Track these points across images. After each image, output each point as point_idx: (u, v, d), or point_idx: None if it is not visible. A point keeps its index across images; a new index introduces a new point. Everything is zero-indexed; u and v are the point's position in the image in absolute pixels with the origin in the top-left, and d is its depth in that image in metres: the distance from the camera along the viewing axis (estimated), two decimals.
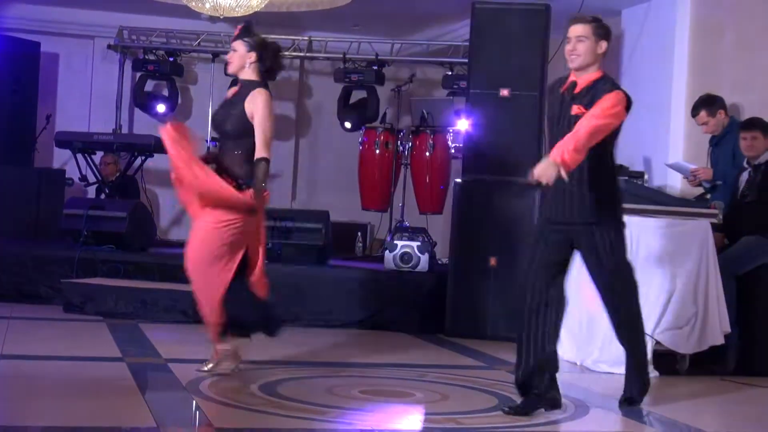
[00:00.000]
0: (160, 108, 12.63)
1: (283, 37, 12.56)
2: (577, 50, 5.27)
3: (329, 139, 13.20)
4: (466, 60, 9.78)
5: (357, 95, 12.38)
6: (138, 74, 12.82)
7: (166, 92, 12.78)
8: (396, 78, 12.60)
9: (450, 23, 12.09)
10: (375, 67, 12.11)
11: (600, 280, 5.44)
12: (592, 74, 5.31)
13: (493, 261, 8.23)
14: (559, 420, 5.15)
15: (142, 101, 12.70)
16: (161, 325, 7.99)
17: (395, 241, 8.84)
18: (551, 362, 5.23)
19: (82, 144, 10.84)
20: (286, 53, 12.69)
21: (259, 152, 5.76)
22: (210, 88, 12.43)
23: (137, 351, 6.73)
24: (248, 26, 6.14)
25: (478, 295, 8.25)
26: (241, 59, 5.98)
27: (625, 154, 9.48)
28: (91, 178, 11.07)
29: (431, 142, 10.49)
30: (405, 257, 8.74)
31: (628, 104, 5.24)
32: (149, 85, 12.84)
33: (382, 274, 8.76)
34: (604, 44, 5.31)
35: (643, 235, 6.71)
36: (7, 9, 12.45)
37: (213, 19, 11.96)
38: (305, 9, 11.93)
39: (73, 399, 5.16)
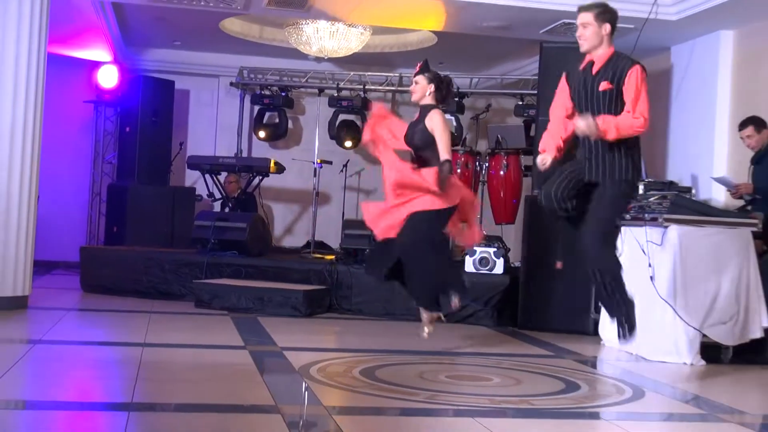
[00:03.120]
0: (261, 134, 12.84)
1: (377, 74, 12.69)
2: (584, 35, 5.32)
3: None
4: (535, 91, 9.74)
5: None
6: (256, 107, 13.03)
7: (277, 121, 12.95)
8: (474, 107, 12.61)
9: (520, 60, 12.07)
10: (456, 99, 12.12)
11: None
12: (605, 52, 5.34)
13: (559, 264, 8.17)
14: (619, 402, 5.10)
15: (260, 130, 12.93)
16: (276, 318, 8.09)
17: (475, 247, 8.84)
18: None
19: (209, 166, 11.04)
20: (380, 87, 12.80)
21: (443, 155, 6.19)
22: (316, 118, 12.57)
23: (257, 340, 6.82)
24: (426, 64, 6.52)
25: (546, 294, 8.20)
26: (423, 90, 6.40)
27: (675, 171, 9.40)
28: (217, 195, 11.26)
29: (505, 162, 10.45)
30: (483, 261, 8.74)
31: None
32: (265, 116, 13.05)
33: (464, 275, 8.74)
34: (608, 26, 5.32)
35: (692, 243, 6.62)
36: (147, 53, 12.77)
37: (318, 60, 12.13)
38: (397, 50, 12.03)
39: (204, 381, 5.25)
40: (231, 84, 13.07)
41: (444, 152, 6.20)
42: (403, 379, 5.45)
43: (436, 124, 6.25)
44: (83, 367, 5.66)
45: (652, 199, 7.00)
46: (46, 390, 4.88)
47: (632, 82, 5.23)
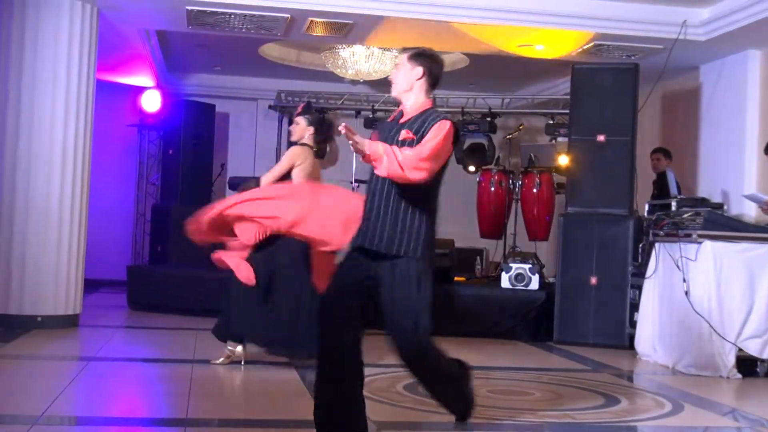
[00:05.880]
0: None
1: None
2: (393, 77, 4.18)
3: (452, 180, 13.06)
4: (566, 111, 9.75)
5: (474, 142, 12.44)
6: None
7: None
8: (506, 127, 12.61)
9: (551, 80, 12.07)
10: (488, 119, 12.13)
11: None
12: (420, 104, 4.12)
13: (593, 280, 8.17)
14: (659, 416, 5.08)
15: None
16: None
17: (510, 264, 8.85)
18: None
19: None
20: None
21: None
22: None
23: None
24: (308, 105, 6.55)
25: (581, 309, 8.19)
26: (302, 131, 6.39)
27: (706, 187, 9.36)
28: None
29: (538, 180, 10.44)
30: (519, 277, 8.73)
31: (455, 135, 4.09)
32: None
33: (500, 291, 8.75)
34: (420, 71, 4.09)
35: (725, 258, 6.60)
36: (189, 78, 12.90)
37: (354, 82, 12.17)
38: None
39: (255, 396, 5.30)
40: (269, 107, 13.15)
41: (266, 175, 6.26)
42: None
43: (282, 157, 6.35)
44: (137, 383, 5.73)
45: (685, 215, 7.00)
46: (106, 406, 4.95)
47: (434, 130, 3.98)
